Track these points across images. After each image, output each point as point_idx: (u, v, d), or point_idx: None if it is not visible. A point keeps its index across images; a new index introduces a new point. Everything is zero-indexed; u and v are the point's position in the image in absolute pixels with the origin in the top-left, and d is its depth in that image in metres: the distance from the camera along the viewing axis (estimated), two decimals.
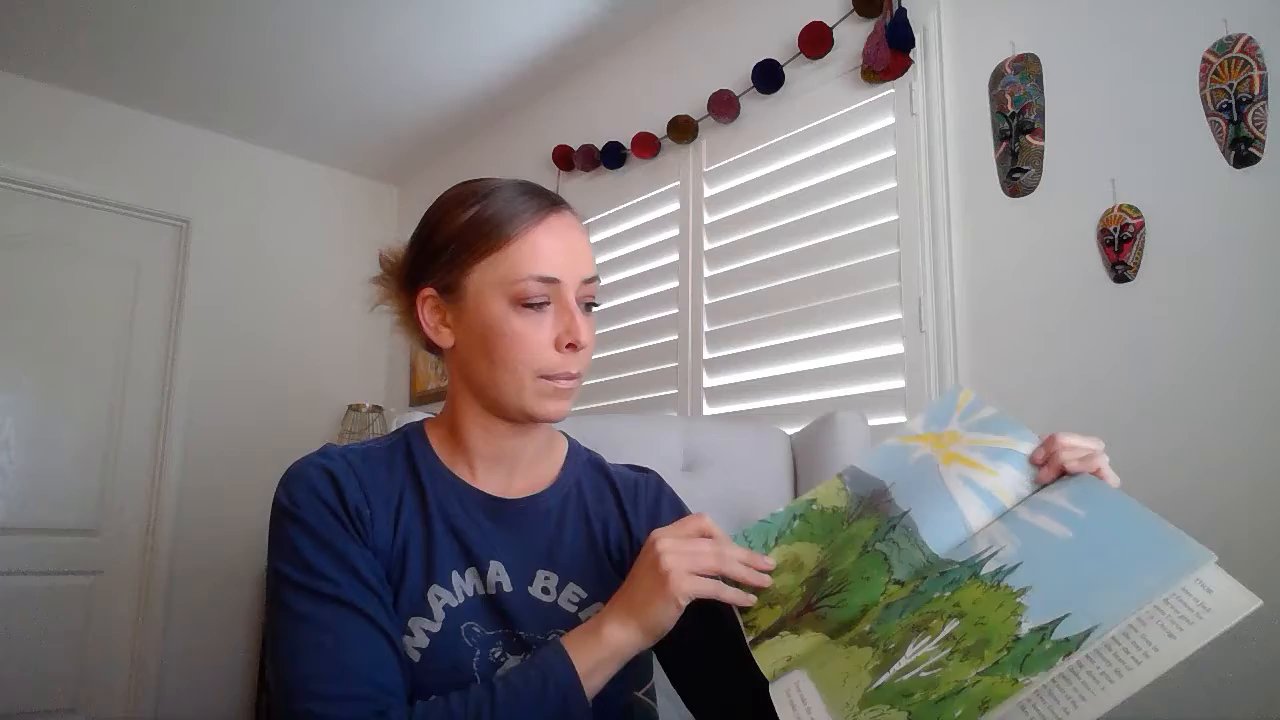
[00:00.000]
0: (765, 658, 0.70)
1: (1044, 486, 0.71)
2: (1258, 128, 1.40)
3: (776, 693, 0.67)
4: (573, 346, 0.79)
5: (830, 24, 2.05)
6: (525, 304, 0.77)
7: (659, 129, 2.46)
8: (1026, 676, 0.54)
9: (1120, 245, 1.53)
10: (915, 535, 0.72)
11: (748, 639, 0.72)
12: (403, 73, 2.89)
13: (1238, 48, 1.42)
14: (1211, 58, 1.46)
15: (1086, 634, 0.54)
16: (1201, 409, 1.42)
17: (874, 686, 0.60)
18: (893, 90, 1.93)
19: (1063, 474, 0.70)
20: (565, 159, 2.80)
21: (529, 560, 0.83)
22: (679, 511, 0.93)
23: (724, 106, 2.28)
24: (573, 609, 0.82)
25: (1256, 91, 1.40)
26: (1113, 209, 1.55)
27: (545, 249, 0.79)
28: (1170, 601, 0.55)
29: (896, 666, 0.61)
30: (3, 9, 2.56)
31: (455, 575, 0.80)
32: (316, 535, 0.75)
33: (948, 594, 0.65)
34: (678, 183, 2.44)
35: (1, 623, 2.73)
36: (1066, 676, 0.55)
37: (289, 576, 0.74)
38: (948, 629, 0.61)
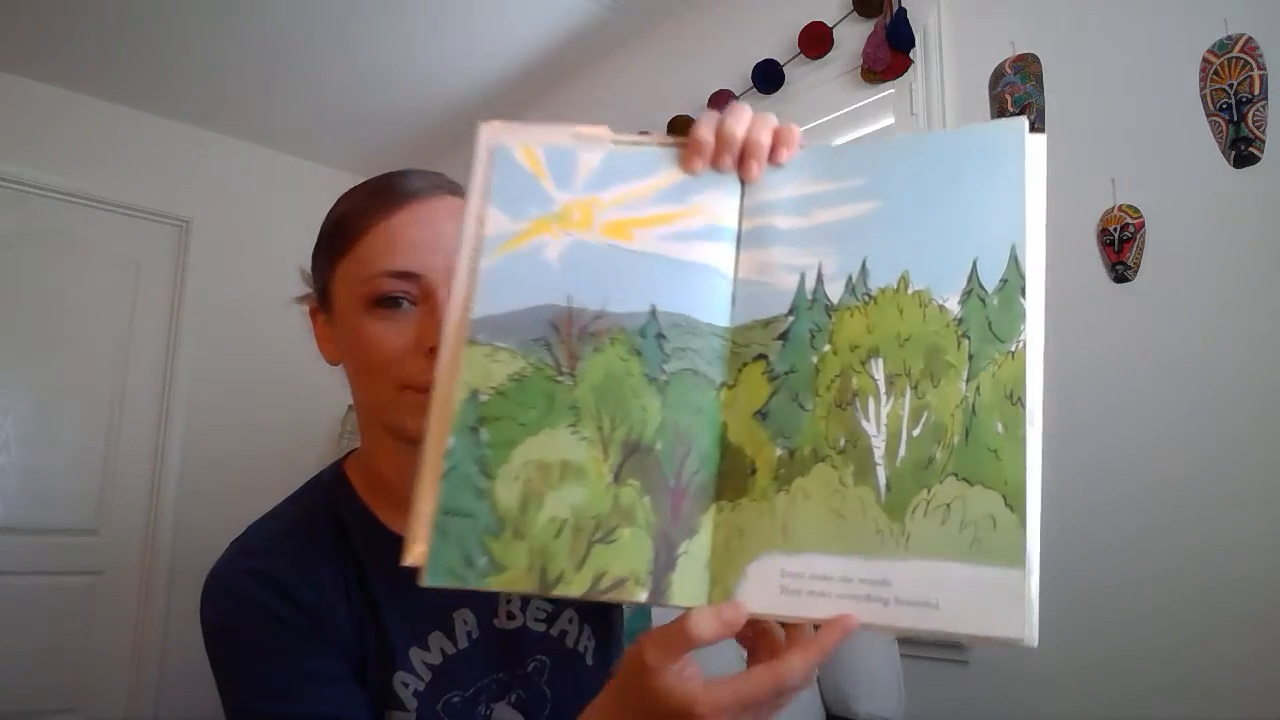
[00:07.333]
0: (686, 591, 0.45)
1: (756, 185, 0.52)
2: (1258, 128, 1.40)
3: (759, 606, 0.45)
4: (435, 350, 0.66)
5: (830, 24, 2.05)
6: (377, 303, 0.67)
7: (659, 129, 2.46)
8: (1011, 341, 0.44)
9: (1120, 245, 1.53)
10: (688, 319, 0.49)
11: (641, 600, 0.45)
12: (403, 73, 2.89)
13: (1238, 48, 1.42)
14: (1211, 58, 1.45)
15: (1013, 256, 0.45)
16: (1202, 408, 1.42)
17: (883, 491, 0.44)
18: (893, 90, 1.93)
19: (744, 158, 0.54)
20: None
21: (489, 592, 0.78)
22: None
23: (724, 107, 2.27)
24: (541, 627, 0.79)
25: (1256, 91, 1.40)
26: (1113, 209, 1.55)
27: (401, 240, 0.67)
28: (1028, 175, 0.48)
29: (878, 453, 0.45)
30: (3, 8, 2.55)
31: (416, 652, 0.72)
32: (267, 649, 0.66)
33: (824, 349, 0.47)
34: None
35: (1, 623, 2.72)
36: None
37: (252, 708, 0.65)
38: (878, 375, 0.46)
